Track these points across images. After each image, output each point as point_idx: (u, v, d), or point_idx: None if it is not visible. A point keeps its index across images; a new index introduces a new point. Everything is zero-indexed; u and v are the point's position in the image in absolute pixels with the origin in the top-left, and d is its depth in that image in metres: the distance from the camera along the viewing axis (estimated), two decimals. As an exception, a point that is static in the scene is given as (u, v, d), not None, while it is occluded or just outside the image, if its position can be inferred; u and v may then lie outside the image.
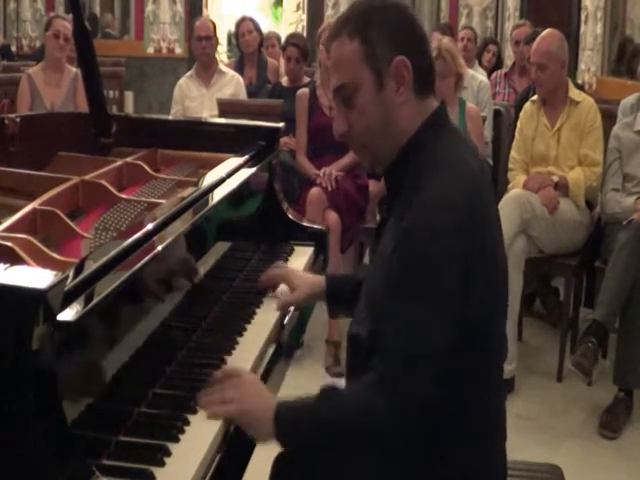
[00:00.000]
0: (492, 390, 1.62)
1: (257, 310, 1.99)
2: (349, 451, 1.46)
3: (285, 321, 2.00)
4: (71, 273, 1.29)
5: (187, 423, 1.43)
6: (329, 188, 4.18)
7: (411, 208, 1.46)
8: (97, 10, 9.73)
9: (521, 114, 4.14)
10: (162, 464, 1.31)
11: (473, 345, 1.49)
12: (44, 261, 1.53)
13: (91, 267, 1.36)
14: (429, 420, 1.44)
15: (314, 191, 4.19)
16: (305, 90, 4.54)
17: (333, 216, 4.17)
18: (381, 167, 1.62)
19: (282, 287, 2.06)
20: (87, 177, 2.12)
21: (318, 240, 2.53)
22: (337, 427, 1.45)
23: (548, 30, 4.04)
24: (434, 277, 1.43)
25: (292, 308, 2.04)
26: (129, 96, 7.71)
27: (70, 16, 3.00)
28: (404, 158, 1.56)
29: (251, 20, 6.21)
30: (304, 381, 3.17)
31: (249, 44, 6.05)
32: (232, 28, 7.25)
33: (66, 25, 4.89)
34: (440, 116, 1.59)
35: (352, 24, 1.54)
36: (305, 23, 9.57)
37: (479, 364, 1.54)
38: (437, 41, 4.02)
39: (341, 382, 1.64)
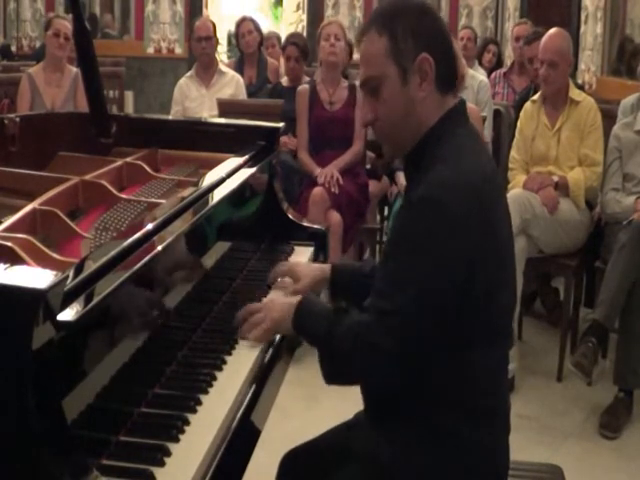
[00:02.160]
0: (493, 369, 1.68)
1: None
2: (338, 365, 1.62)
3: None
4: (71, 273, 1.29)
5: (187, 423, 1.43)
6: (332, 190, 4.18)
7: (421, 185, 1.55)
8: (97, 10, 9.73)
9: (521, 114, 4.13)
10: (162, 464, 1.31)
11: (473, 321, 1.56)
12: (44, 261, 1.53)
13: (91, 267, 1.36)
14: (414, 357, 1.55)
15: (317, 191, 4.18)
16: (305, 86, 4.53)
17: (336, 216, 4.16)
18: (400, 154, 1.73)
19: (286, 278, 2.10)
20: (87, 177, 2.12)
21: (318, 240, 2.53)
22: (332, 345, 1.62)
23: (556, 29, 4.03)
24: (435, 242, 1.52)
25: None
26: (129, 96, 7.70)
27: (70, 16, 3.00)
28: (422, 148, 1.65)
29: (251, 20, 6.21)
30: (305, 379, 3.18)
31: (249, 44, 6.04)
32: (232, 28, 7.24)
33: (66, 24, 4.90)
34: (458, 112, 1.68)
35: (380, 21, 1.64)
36: (305, 23, 9.58)
37: (481, 338, 1.59)
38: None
39: None
